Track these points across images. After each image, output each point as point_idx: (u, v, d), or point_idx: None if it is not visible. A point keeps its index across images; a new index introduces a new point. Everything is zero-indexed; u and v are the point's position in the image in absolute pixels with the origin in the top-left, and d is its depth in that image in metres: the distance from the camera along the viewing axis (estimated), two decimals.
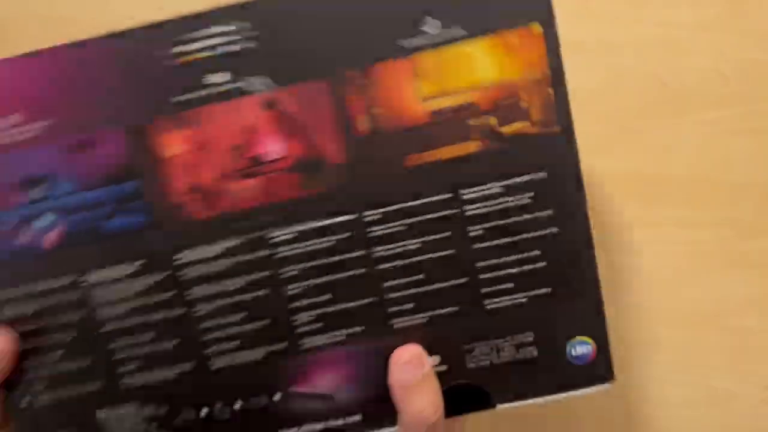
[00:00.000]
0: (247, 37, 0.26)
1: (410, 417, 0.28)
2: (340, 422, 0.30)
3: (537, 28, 0.26)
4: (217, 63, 0.27)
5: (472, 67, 0.27)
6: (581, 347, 0.29)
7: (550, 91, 0.27)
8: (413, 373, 0.28)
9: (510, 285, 0.29)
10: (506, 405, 0.30)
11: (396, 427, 0.30)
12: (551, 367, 0.29)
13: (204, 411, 0.30)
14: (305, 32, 0.26)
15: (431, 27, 0.26)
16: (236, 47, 0.27)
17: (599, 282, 0.29)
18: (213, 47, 0.26)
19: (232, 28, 0.26)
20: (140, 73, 0.27)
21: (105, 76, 0.27)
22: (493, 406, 0.30)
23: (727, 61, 0.40)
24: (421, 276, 0.29)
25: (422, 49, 0.26)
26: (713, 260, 0.41)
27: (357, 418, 0.30)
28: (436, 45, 0.26)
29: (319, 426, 0.30)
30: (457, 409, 0.30)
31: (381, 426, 0.30)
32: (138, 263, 0.28)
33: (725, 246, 0.41)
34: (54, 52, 0.27)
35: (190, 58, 0.26)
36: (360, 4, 0.26)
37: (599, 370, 0.29)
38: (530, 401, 0.30)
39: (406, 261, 0.28)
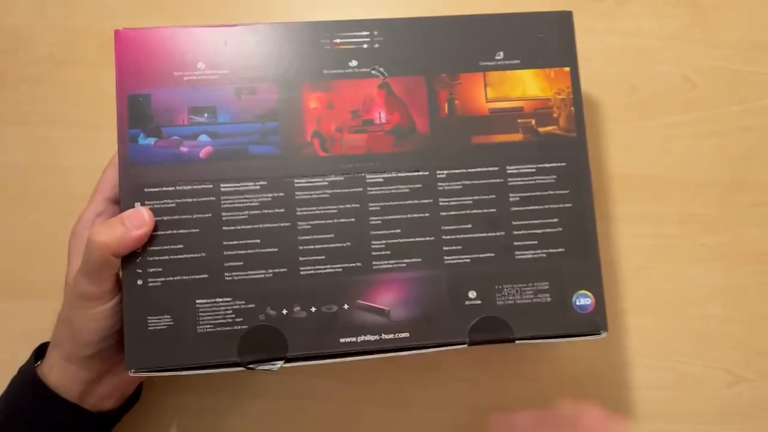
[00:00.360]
0: (376, 40, 0.39)
1: None
2: (391, 336, 0.37)
3: (567, 69, 0.40)
4: (355, 53, 0.39)
5: (523, 86, 0.40)
6: (584, 299, 0.38)
7: (572, 108, 0.40)
8: None
9: (535, 242, 0.39)
10: (523, 341, 0.38)
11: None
12: (560, 311, 0.38)
13: (284, 310, 0.37)
14: (416, 42, 0.39)
15: (501, 56, 0.40)
16: (367, 46, 0.39)
17: (598, 248, 0.39)
18: (355, 43, 0.39)
19: (367, 32, 0.39)
20: (305, 49, 0.39)
21: (273, 48, 0.39)
22: (513, 340, 0.38)
23: (693, 69, 0.47)
24: (469, 225, 0.38)
25: (493, 69, 0.40)
26: (678, 253, 0.47)
27: (405, 334, 0.37)
28: (502, 68, 0.40)
29: (374, 338, 0.37)
30: (485, 339, 0.38)
31: (425, 345, 0.37)
32: (263, 182, 0.38)
33: (690, 240, 0.47)
34: (233, 26, 0.39)
35: (341, 47, 0.39)
36: (459, 32, 0.39)
37: (596, 320, 0.38)
38: (542, 341, 0.38)
39: (461, 212, 0.38)
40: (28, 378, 0.38)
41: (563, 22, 0.40)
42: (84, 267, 0.36)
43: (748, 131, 0.49)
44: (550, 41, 0.40)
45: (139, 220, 0.36)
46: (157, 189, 0.37)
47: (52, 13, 0.50)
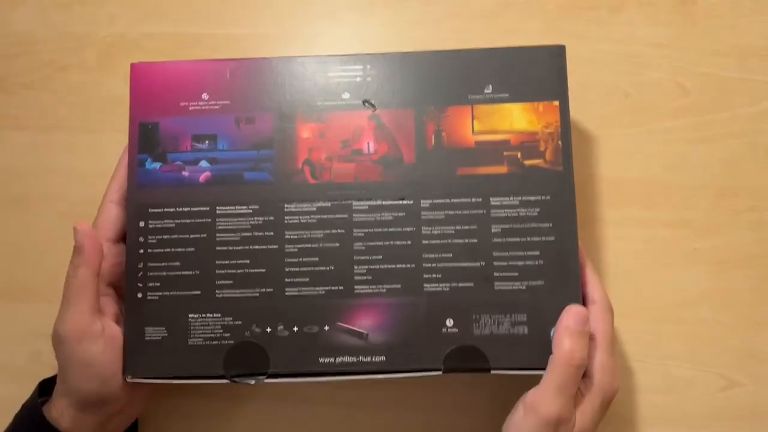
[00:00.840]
0: (368, 73, 0.41)
1: (562, 354, 0.36)
2: (368, 359, 0.39)
3: (556, 103, 0.40)
4: (348, 86, 0.41)
5: (511, 119, 0.40)
6: None
7: (560, 142, 0.40)
8: (579, 323, 0.36)
9: (515, 274, 0.39)
10: (499, 371, 0.38)
11: (409, 375, 0.38)
12: (538, 344, 0.38)
13: (268, 328, 0.39)
14: (405, 77, 0.41)
15: (489, 90, 0.40)
16: (360, 79, 0.41)
17: (580, 282, 0.39)
18: (348, 76, 0.41)
19: (360, 66, 0.41)
20: (301, 82, 0.41)
21: (271, 80, 0.41)
22: (488, 370, 0.38)
23: (685, 75, 0.47)
24: (450, 254, 0.39)
25: (481, 102, 0.40)
26: (670, 257, 0.46)
27: (382, 358, 0.39)
28: (490, 101, 0.40)
29: (352, 359, 0.39)
30: (460, 367, 0.38)
31: (400, 368, 0.39)
32: (255, 206, 0.40)
33: (680, 244, 0.47)
34: (235, 61, 0.42)
35: (335, 80, 0.41)
36: (449, 66, 0.41)
37: None
38: (518, 372, 0.38)
39: (442, 241, 0.39)
40: (36, 422, 0.39)
41: (555, 56, 0.41)
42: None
43: (739, 137, 0.48)
44: (540, 75, 0.40)
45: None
46: (160, 210, 0.40)
47: (53, 19, 0.52)
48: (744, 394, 0.46)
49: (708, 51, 0.49)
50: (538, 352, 0.38)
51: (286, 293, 0.39)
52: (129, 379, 0.39)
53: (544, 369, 0.38)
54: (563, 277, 0.39)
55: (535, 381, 0.37)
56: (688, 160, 0.48)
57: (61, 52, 0.52)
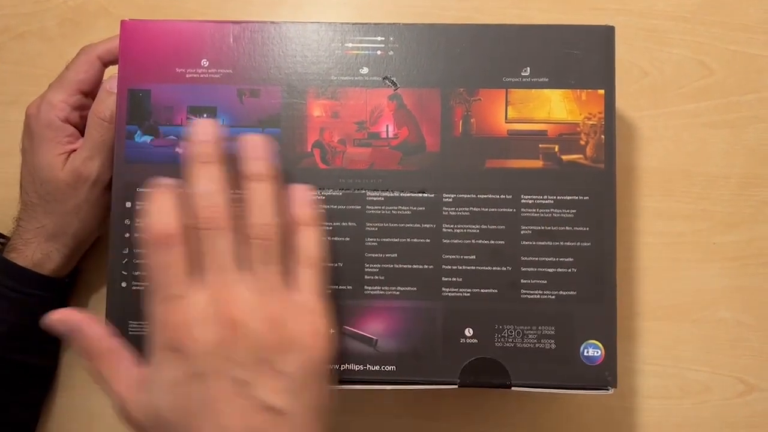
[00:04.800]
0: (391, 47, 0.36)
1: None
2: (376, 368, 0.35)
3: (601, 92, 0.36)
4: (367, 60, 0.36)
5: (549, 107, 0.36)
6: (593, 349, 0.35)
7: (602, 137, 0.35)
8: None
9: (544, 281, 0.35)
10: (521, 388, 0.35)
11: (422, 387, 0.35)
12: (565, 361, 0.35)
13: None
14: (432, 53, 0.36)
15: (527, 72, 0.36)
16: (381, 52, 0.36)
17: (616, 295, 0.35)
18: (368, 48, 0.36)
19: (382, 38, 0.36)
20: (314, 52, 0.36)
21: (280, 48, 0.36)
22: (509, 386, 0.35)
23: (709, 52, 0.44)
24: (473, 256, 0.35)
25: (517, 86, 0.36)
26: (688, 252, 0.44)
27: (392, 368, 0.35)
28: (527, 86, 0.36)
29: (358, 367, 0.35)
30: (478, 381, 0.35)
31: (411, 380, 0.35)
32: None
33: (699, 238, 0.44)
34: (240, 24, 0.37)
35: (352, 52, 0.36)
36: (483, 43, 0.36)
37: (604, 374, 0.34)
38: (540, 390, 0.35)
39: (465, 241, 0.35)
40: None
41: (604, 37, 0.36)
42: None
43: (766, 121, 0.44)
44: (585, 59, 0.36)
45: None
46: (149, 190, 0.36)
47: None
48: (764, 400, 0.43)
49: (735, 26, 0.45)
50: (565, 370, 0.34)
51: None
52: None
53: (570, 388, 0.34)
54: (598, 288, 0.35)
55: (560, 400, 0.33)
56: (709, 147, 0.44)
57: (17, 17, 0.47)
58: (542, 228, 0.35)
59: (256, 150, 0.31)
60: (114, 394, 0.30)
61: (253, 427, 0.28)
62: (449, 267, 0.35)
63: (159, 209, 0.30)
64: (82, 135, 0.39)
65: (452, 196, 0.35)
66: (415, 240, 0.35)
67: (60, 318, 0.31)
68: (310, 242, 0.31)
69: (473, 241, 0.35)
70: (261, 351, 0.28)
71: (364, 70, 0.36)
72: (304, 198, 0.32)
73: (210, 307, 0.29)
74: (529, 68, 0.36)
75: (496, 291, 0.35)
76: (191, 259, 0.29)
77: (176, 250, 0.29)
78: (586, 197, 0.35)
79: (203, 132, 0.31)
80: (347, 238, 0.35)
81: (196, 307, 0.29)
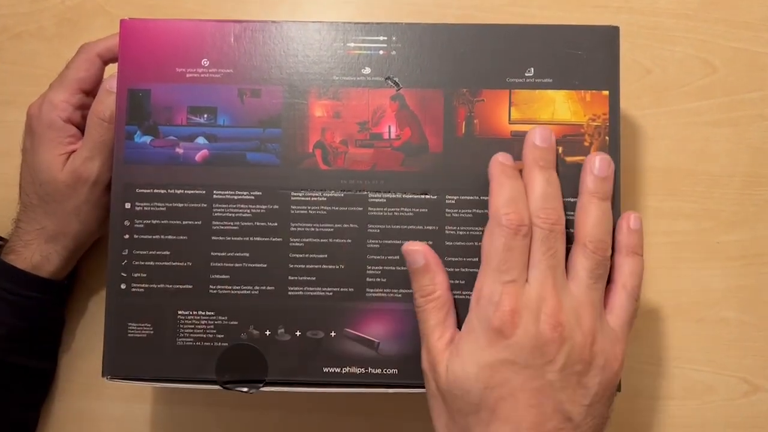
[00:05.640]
0: (393, 46, 0.36)
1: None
2: (378, 371, 0.35)
3: (606, 93, 0.35)
4: (369, 60, 0.36)
5: (553, 108, 0.35)
6: None
7: (607, 138, 0.35)
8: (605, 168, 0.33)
9: None
10: None
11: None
12: None
13: (267, 331, 0.35)
14: (435, 53, 0.36)
15: (531, 73, 0.35)
16: (384, 52, 0.36)
17: None
18: (371, 48, 0.36)
19: (384, 37, 0.36)
20: (315, 52, 0.36)
21: (281, 48, 0.36)
22: None
23: (713, 50, 0.44)
24: (476, 259, 0.35)
25: (520, 87, 0.35)
26: (691, 252, 0.44)
27: (394, 371, 0.35)
28: (531, 86, 0.35)
29: (360, 370, 0.35)
30: None
31: (413, 383, 0.34)
32: (257, 192, 0.35)
33: (702, 237, 0.44)
34: (241, 23, 0.36)
35: (355, 51, 0.36)
36: (487, 43, 0.36)
37: None
38: None
39: (468, 243, 0.35)
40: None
41: (609, 37, 0.36)
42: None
43: None
44: (590, 59, 0.35)
45: None
46: (149, 191, 0.35)
47: None
48: None
49: (738, 24, 0.45)
50: None
51: (289, 293, 0.35)
52: (108, 380, 0.35)
53: None
54: None
55: None
56: (713, 145, 0.44)
57: (15, 17, 0.46)
58: None
59: (606, 169, 0.33)
60: (431, 347, 0.32)
61: (545, 428, 0.29)
62: (452, 269, 0.35)
63: (515, 197, 0.32)
64: (84, 135, 0.39)
65: (455, 197, 0.35)
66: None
67: (420, 249, 0.33)
68: (633, 271, 0.33)
69: (476, 243, 0.35)
70: (576, 362, 0.30)
71: (367, 70, 0.36)
72: (635, 225, 0.33)
73: (539, 303, 0.30)
74: (532, 69, 0.35)
75: None
76: (527, 251, 0.31)
77: (523, 240, 0.31)
78: None
79: (544, 138, 0.33)
80: (349, 240, 0.35)
81: (528, 298, 0.30)
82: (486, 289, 0.31)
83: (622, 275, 0.33)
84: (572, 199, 0.35)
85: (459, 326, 0.33)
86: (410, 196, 0.35)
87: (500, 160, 0.33)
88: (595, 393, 0.30)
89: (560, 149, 0.35)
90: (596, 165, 0.33)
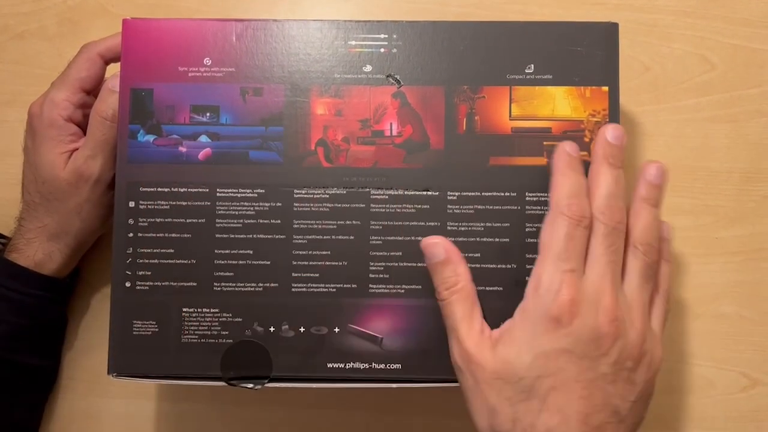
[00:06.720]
0: (394, 44, 0.36)
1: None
2: (381, 366, 0.35)
3: (605, 88, 0.36)
4: (370, 57, 0.36)
5: (553, 104, 0.36)
6: None
7: None
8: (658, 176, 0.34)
9: None
10: None
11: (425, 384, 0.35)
12: None
13: (272, 328, 0.35)
14: (436, 50, 0.36)
15: (531, 69, 0.36)
16: (384, 50, 0.36)
17: None
18: (372, 46, 0.36)
19: (385, 35, 0.36)
20: (317, 50, 0.36)
21: (283, 47, 0.36)
22: None
23: (711, 47, 0.44)
24: (478, 254, 0.35)
25: (521, 83, 0.36)
26: (690, 247, 0.44)
27: (397, 366, 0.35)
28: (531, 83, 0.36)
29: (363, 366, 0.35)
30: None
31: (416, 378, 0.35)
32: (260, 190, 0.36)
33: (703, 233, 0.44)
34: (243, 22, 0.36)
35: (356, 50, 0.36)
36: (487, 40, 0.36)
37: None
38: None
39: (470, 239, 0.35)
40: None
41: (608, 34, 0.36)
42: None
43: None
44: (589, 55, 0.36)
45: None
46: (152, 189, 0.36)
47: None
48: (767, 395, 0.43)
49: (736, 20, 0.45)
50: None
51: (293, 289, 0.35)
52: (114, 377, 0.35)
53: None
54: None
55: None
56: (711, 142, 0.44)
57: (16, 17, 0.46)
58: None
59: (661, 178, 0.34)
60: (462, 339, 0.32)
61: (593, 420, 0.30)
62: None
63: (578, 190, 0.32)
64: (85, 133, 0.39)
65: (456, 194, 0.35)
66: (420, 238, 0.35)
67: (440, 242, 0.33)
68: (667, 278, 0.34)
69: (478, 239, 0.35)
70: (627, 358, 0.31)
71: (368, 68, 0.36)
72: (669, 233, 0.35)
73: (597, 296, 0.31)
74: (533, 65, 0.36)
75: (501, 288, 0.35)
76: (586, 243, 0.32)
77: (584, 232, 0.31)
78: None
79: (616, 136, 0.33)
80: (351, 237, 0.35)
81: (587, 290, 0.31)
82: (546, 277, 0.31)
83: (659, 281, 0.34)
84: None
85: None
86: (412, 193, 0.36)
87: (567, 150, 0.33)
88: (640, 390, 0.31)
89: None
90: (652, 173, 0.33)
